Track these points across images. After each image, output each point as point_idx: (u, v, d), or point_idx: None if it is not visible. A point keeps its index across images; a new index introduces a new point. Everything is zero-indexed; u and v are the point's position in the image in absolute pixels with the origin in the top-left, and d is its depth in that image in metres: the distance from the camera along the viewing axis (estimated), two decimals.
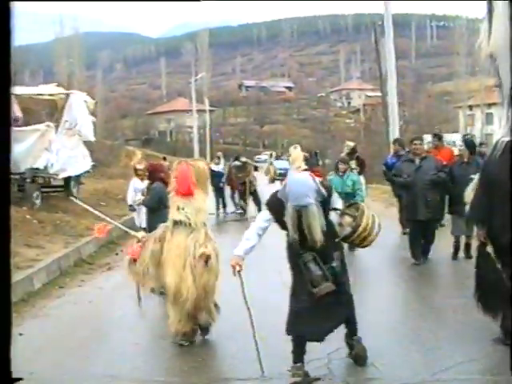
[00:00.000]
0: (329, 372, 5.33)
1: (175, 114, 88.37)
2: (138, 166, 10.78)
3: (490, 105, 60.66)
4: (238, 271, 5.40)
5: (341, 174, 11.18)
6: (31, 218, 12.83)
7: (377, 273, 9.91)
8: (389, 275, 9.69)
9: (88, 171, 18.21)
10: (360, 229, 5.21)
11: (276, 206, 5.20)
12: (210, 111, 70.18)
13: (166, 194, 8.12)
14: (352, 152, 16.35)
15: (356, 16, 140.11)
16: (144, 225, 9.77)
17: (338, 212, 5.37)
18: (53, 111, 17.25)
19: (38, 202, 14.75)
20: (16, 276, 8.25)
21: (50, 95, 17.24)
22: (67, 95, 16.95)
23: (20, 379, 2.20)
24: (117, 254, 11.93)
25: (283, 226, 5.20)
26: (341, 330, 6.38)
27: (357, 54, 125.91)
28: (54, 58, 58.11)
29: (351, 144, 17.01)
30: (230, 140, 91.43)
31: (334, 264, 5.15)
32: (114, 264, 10.96)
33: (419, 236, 10.05)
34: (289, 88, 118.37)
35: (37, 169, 15.08)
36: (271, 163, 35.39)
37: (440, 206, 10.03)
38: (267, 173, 34.30)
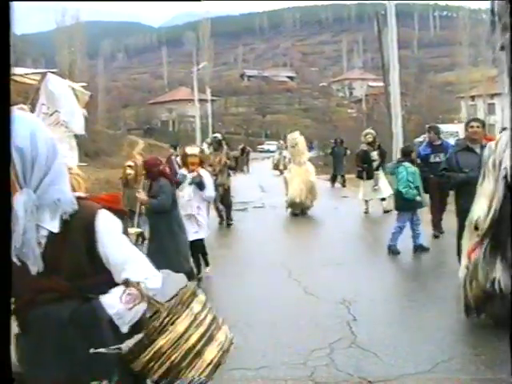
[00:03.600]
0: (331, 361, 5.33)
1: (177, 103, 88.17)
2: (190, 151, 8.84)
3: (492, 95, 60.46)
4: None
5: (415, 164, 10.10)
6: None
7: (379, 264, 9.91)
8: (392, 266, 9.69)
9: None
10: (162, 342, 2.25)
11: None
12: (212, 101, 70.01)
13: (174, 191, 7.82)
14: (374, 141, 15.03)
15: (359, 5, 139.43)
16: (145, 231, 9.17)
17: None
18: (28, 95, 16.18)
19: None
20: None
21: (23, 76, 15.87)
22: (43, 75, 15.35)
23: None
24: None
25: None
26: (343, 320, 6.40)
27: (359, 44, 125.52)
28: (56, 48, 57.86)
29: (374, 132, 15.69)
30: (231, 130, 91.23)
31: None
32: None
33: None
34: (291, 78, 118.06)
35: None
36: (280, 153, 34.83)
37: None
38: (277, 165, 33.84)
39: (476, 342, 5.73)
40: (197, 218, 8.56)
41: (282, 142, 39.74)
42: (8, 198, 1.85)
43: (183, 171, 8.88)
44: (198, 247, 8.65)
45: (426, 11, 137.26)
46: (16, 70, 15.46)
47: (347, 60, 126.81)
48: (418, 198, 9.84)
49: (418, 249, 10.01)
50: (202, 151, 8.85)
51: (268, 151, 61.87)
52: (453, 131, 21.89)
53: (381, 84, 38.97)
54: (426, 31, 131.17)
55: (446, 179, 8.38)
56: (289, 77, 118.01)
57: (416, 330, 6.17)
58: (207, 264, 8.99)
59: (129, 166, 10.97)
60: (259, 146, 74.23)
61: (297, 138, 15.60)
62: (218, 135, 15.63)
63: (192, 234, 8.42)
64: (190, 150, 8.74)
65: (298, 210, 15.11)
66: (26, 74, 15.61)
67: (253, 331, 6.20)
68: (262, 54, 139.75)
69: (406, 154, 10.24)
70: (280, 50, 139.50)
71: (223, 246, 11.30)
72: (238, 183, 26.04)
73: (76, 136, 16.44)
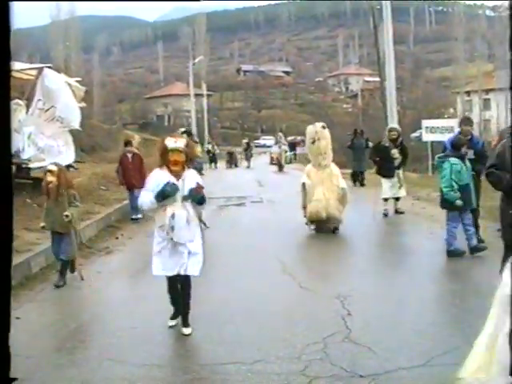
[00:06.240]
0: (325, 356, 5.34)
1: (173, 98, 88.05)
2: (172, 145, 5.76)
3: (487, 91, 60.54)
4: None
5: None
6: (31, 202, 12.79)
7: (373, 259, 9.94)
8: (386, 261, 9.70)
9: (71, 166, 15.88)
10: None
11: None
12: (208, 95, 69.93)
13: None
14: (398, 138, 13.91)
15: (354, 1, 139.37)
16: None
17: None
18: (24, 90, 15.23)
19: None
20: (14, 259, 8.20)
21: (19, 71, 14.61)
22: (39, 70, 14.78)
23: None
24: (117, 238, 11.92)
25: None
26: (338, 314, 6.42)
27: (355, 39, 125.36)
28: (51, 42, 57.80)
29: (399, 129, 14.57)
30: (227, 124, 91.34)
31: None
32: (113, 248, 10.96)
33: None
34: (287, 73, 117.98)
35: None
36: (280, 147, 34.40)
37: None
38: (273, 160, 33.52)
39: (471, 336, 5.75)
40: (188, 246, 5.92)
41: (280, 134, 38.08)
42: (9, 196, 1.85)
43: (167, 174, 5.82)
44: (178, 284, 6.19)
45: (422, 6, 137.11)
46: (12, 65, 15.22)
47: (343, 55, 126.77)
48: (458, 203, 8.83)
49: (474, 251, 8.99)
50: (187, 145, 5.87)
51: (264, 146, 61.85)
52: (448, 126, 21.72)
53: (377, 79, 39.00)
54: (421, 26, 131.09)
55: (495, 179, 6.46)
56: (285, 72, 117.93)
57: (410, 324, 6.19)
58: (185, 323, 6.14)
59: (49, 172, 8.25)
60: (255, 141, 74.15)
61: (319, 131, 11.98)
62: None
63: (177, 267, 5.94)
64: (170, 142, 5.75)
65: (326, 227, 11.71)
66: (22, 70, 15.44)
67: (247, 325, 6.22)
68: (258, 48, 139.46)
69: (456, 148, 9.06)
70: (276, 44, 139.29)
71: (218, 240, 11.28)
72: (236, 178, 26.09)
73: (71, 131, 16.27)
